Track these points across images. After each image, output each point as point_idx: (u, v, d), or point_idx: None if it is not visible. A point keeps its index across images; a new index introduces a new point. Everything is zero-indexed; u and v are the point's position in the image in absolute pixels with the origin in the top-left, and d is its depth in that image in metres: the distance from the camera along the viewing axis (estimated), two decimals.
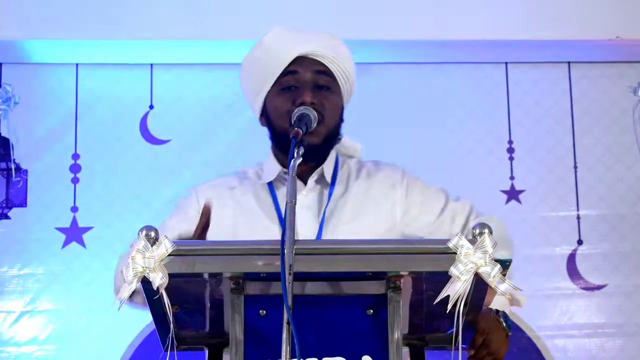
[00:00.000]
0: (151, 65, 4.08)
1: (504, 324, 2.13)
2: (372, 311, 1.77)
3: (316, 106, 2.25)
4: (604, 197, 4.04)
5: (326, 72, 2.32)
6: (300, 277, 1.67)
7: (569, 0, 3.94)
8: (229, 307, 1.79)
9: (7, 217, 3.94)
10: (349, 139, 2.48)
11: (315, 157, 2.32)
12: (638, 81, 4.10)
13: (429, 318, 1.87)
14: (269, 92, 2.34)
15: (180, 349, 1.95)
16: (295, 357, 1.58)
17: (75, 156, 4.00)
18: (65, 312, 3.87)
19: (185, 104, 4.07)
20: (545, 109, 4.12)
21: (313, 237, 2.28)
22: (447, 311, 1.64)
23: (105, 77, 4.05)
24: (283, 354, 1.60)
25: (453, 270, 1.63)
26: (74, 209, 3.95)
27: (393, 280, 1.73)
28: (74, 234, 3.93)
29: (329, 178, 2.36)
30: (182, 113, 4.06)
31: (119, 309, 1.68)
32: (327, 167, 2.36)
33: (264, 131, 2.49)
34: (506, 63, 4.14)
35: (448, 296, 1.64)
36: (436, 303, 1.65)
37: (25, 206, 3.96)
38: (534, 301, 3.87)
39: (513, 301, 2.24)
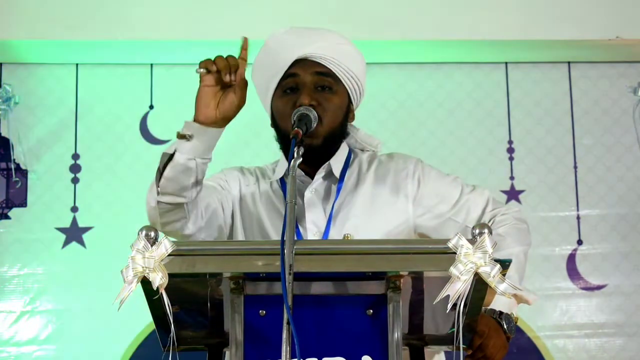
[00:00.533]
0: (151, 65, 4.08)
1: (505, 327, 2.13)
2: (372, 311, 1.76)
3: (315, 107, 2.25)
4: (604, 197, 4.04)
5: (327, 73, 2.31)
6: (300, 277, 1.67)
7: (569, 0, 3.94)
8: (228, 307, 1.79)
9: (7, 217, 3.94)
10: (367, 135, 2.48)
11: (317, 158, 2.32)
12: (638, 81, 4.10)
13: (429, 318, 1.87)
14: (273, 94, 2.35)
15: (180, 349, 1.95)
16: (295, 357, 1.58)
17: (75, 156, 4.00)
18: (65, 312, 3.87)
19: (185, 104, 4.05)
20: (545, 109, 4.12)
21: (321, 232, 2.28)
22: (447, 311, 1.64)
23: (105, 77, 4.05)
24: (283, 354, 1.60)
25: (453, 270, 1.63)
26: (74, 209, 3.96)
27: (393, 280, 1.73)
28: (74, 234, 3.93)
29: (337, 173, 2.35)
30: (182, 113, 4.03)
31: (118, 309, 1.68)
32: (335, 162, 2.36)
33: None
34: (506, 63, 4.14)
35: (448, 296, 1.63)
36: (436, 303, 1.65)
37: (25, 206, 3.96)
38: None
39: (521, 300, 2.24)
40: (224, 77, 2.15)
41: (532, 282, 3.86)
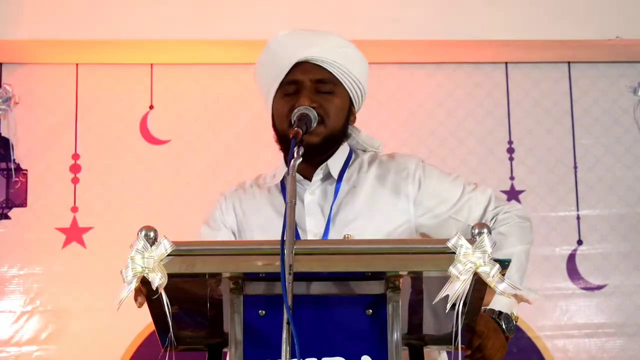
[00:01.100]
0: (151, 65, 4.08)
1: (504, 327, 2.13)
2: (371, 311, 1.77)
3: (316, 109, 2.25)
4: (604, 197, 4.04)
5: (327, 76, 2.32)
6: (300, 277, 1.67)
7: (569, 0, 3.94)
8: (228, 307, 1.79)
9: (7, 217, 3.94)
10: (369, 136, 2.48)
11: (316, 156, 2.32)
12: (638, 81, 4.10)
13: (428, 318, 1.87)
14: (274, 96, 2.35)
15: (180, 349, 1.96)
16: (295, 357, 1.58)
17: (75, 156, 4.00)
18: (65, 312, 3.87)
19: (185, 104, 4.07)
20: (545, 109, 4.12)
21: (321, 234, 2.28)
22: (447, 311, 1.64)
23: (105, 77, 4.05)
24: (283, 354, 1.60)
25: (452, 270, 1.63)
26: (74, 209, 3.96)
27: (392, 280, 1.73)
28: (74, 234, 3.94)
29: (335, 174, 2.35)
30: (182, 113, 4.06)
31: (118, 309, 1.68)
32: (334, 163, 2.36)
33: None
34: (506, 63, 4.14)
35: (447, 296, 1.63)
36: (435, 303, 1.65)
37: (25, 206, 3.96)
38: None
39: (522, 299, 2.24)
40: None
41: (532, 282, 3.85)
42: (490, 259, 1.63)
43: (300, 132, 2.08)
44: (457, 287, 1.62)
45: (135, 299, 1.80)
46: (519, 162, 4.08)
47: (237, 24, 3.85)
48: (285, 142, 2.29)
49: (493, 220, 2.31)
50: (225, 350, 1.93)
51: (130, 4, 3.87)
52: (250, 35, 3.73)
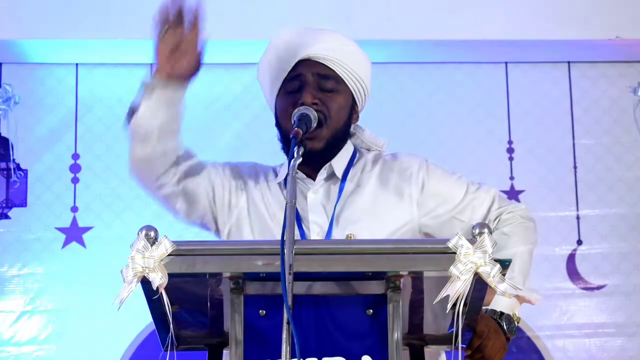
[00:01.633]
0: (151, 65, 4.06)
1: (505, 327, 2.12)
2: (372, 311, 1.76)
3: (318, 107, 2.25)
4: (604, 197, 4.04)
5: (331, 73, 2.31)
6: (300, 277, 1.67)
7: (568, 0, 3.94)
8: (228, 307, 1.79)
9: (7, 217, 3.94)
10: (373, 135, 2.48)
11: (319, 160, 2.31)
12: (638, 81, 4.10)
13: (429, 318, 1.87)
14: (277, 94, 2.35)
15: (180, 348, 1.95)
16: (295, 357, 1.58)
17: (75, 156, 4.00)
18: (65, 312, 3.87)
19: (184, 103, 4.06)
20: (545, 109, 4.12)
21: (324, 234, 2.28)
22: (447, 311, 1.64)
23: (105, 77, 4.05)
24: (283, 354, 1.60)
25: (453, 270, 1.63)
26: (74, 209, 3.96)
27: (393, 280, 1.73)
28: (74, 234, 3.94)
29: (339, 174, 2.35)
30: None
31: (118, 309, 1.68)
32: (338, 162, 2.35)
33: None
34: (506, 63, 4.14)
35: (448, 296, 1.63)
36: (436, 303, 1.65)
37: (25, 206, 3.96)
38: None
39: (524, 300, 2.23)
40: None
41: (532, 282, 3.80)
42: (491, 259, 1.63)
43: (300, 132, 2.08)
44: (457, 287, 1.62)
45: None
46: (519, 162, 4.07)
47: (237, 24, 3.84)
48: (288, 141, 2.29)
49: (497, 220, 2.31)
50: (225, 350, 1.93)
51: (130, 4, 3.87)
52: (250, 35, 3.73)
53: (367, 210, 2.30)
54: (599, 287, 3.98)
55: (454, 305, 1.63)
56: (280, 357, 1.60)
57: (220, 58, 4.00)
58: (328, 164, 2.34)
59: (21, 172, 3.97)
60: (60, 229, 3.93)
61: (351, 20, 3.81)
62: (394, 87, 4.08)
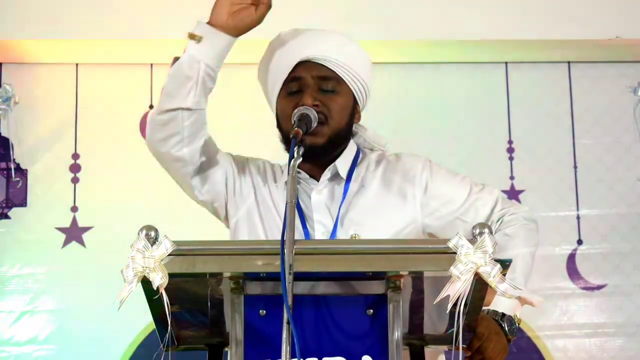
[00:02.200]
0: (151, 65, 4.07)
1: (507, 329, 2.12)
2: (372, 311, 1.77)
3: (320, 108, 2.25)
4: (604, 197, 4.04)
5: (331, 74, 2.32)
6: (300, 277, 1.67)
7: (569, 0, 3.94)
8: (229, 307, 1.79)
9: (7, 217, 3.94)
10: (376, 134, 2.48)
11: (320, 157, 2.32)
12: (638, 81, 4.10)
13: (429, 318, 1.87)
14: (278, 96, 2.35)
15: (180, 348, 1.96)
16: (295, 357, 1.58)
17: (75, 156, 4.00)
18: (65, 312, 3.87)
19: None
20: (545, 108, 4.12)
21: (328, 234, 2.28)
22: (447, 311, 1.64)
23: (105, 76, 4.05)
24: (283, 353, 1.60)
25: (453, 270, 1.63)
26: (74, 208, 3.96)
27: (393, 280, 1.73)
28: (74, 233, 3.93)
29: (343, 174, 2.35)
30: None
31: (118, 309, 1.68)
32: (342, 163, 2.35)
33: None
34: (506, 63, 4.13)
35: (448, 296, 1.63)
36: (436, 303, 1.65)
37: (25, 206, 3.96)
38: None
39: (525, 302, 2.23)
40: None
41: (532, 282, 3.83)
42: (491, 259, 1.63)
43: (300, 132, 2.08)
44: (457, 287, 1.62)
45: None
46: (519, 162, 4.07)
47: None
48: (289, 142, 2.29)
49: (499, 222, 2.31)
50: (225, 349, 1.93)
51: (130, 3, 3.87)
52: (251, 36, 3.72)
53: (371, 210, 2.31)
54: (599, 287, 3.98)
55: (454, 305, 1.63)
56: (280, 357, 1.60)
57: None
58: (332, 164, 2.34)
59: (21, 172, 3.97)
60: (60, 229, 3.93)
61: (351, 20, 3.81)
62: (394, 87, 4.08)
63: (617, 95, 4.12)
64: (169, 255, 1.68)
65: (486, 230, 1.65)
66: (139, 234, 1.68)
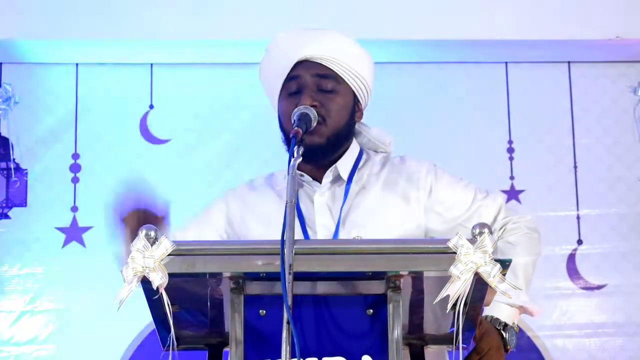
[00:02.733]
0: (151, 65, 4.08)
1: (507, 339, 2.12)
2: (372, 311, 1.76)
3: (318, 108, 2.25)
4: (604, 197, 4.04)
5: (329, 74, 2.31)
6: (300, 277, 1.67)
7: (569, 0, 3.94)
8: (228, 307, 1.79)
9: (7, 216, 3.94)
10: (379, 132, 2.47)
11: (321, 157, 2.31)
12: (638, 81, 4.10)
13: (429, 318, 1.87)
14: (279, 96, 2.35)
15: (180, 348, 1.95)
16: (295, 357, 1.58)
17: (75, 156, 4.00)
18: (65, 312, 3.87)
19: (185, 103, 4.07)
20: (545, 108, 4.12)
21: (331, 236, 2.28)
22: (447, 311, 1.64)
23: (105, 76, 4.05)
24: (283, 353, 1.60)
25: (453, 270, 1.63)
26: (74, 208, 3.96)
27: (393, 280, 1.73)
28: (74, 233, 3.94)
29: (345, 176, 2.34)
30: (182, 113, 4.06)
31: (118, 309, 1.68)
32: (343, 164, 2.35)
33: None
34: (506, 63, 4.14)
35: (448, 296, 1.63)
36: (436, 303, 1.65)
37: (25, 206, 3.96)
38: (534, 301, 3.86)
39: (525, 311, 2.23)
40: None
41: (533, 282, 3.85)
42: (491, 259, 1.63)
43: (300, 131, 2.08)
44: (457, 287, 1.62)
45: None
46: (519, 162, 4.07)
47: (237, 24, 3.85)
48: (290, 142, 2.28)
49: (502, 230, 2.30)
50: (225, 349, 1.93)
51: (130, 3, 3.87)
52: (250, 35, 3.73)
53: (374, 212, 2.30)
54: (599, 287, 3.98)
55: (454, 305, 1.63)
56: (280, 357, 1.60)
57: (220, 58, 4.01)
58: (333, 166, 2.34)
59: (21, 172, 3.97)
60: (60, 229, 3.93)
61: (351, 20, 3.81)
62: (394, 87, 4.08)
63: (617, 95, 4.12)
64: (168, 255, 1.68)
65: (486, 230, 1.65)
66: (138, 233, 1.68)
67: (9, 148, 3.96)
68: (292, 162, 1.89)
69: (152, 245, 1.67)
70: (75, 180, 3.98)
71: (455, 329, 1.65)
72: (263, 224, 2.34)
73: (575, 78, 4.14)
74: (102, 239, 3.89)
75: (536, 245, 2.31)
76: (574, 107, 4.12)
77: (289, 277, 1.62)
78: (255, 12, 3.85)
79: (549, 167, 4.07)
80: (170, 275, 1.67)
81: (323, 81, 2.31)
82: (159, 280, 1.65)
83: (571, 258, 4.00)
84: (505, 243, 2.26)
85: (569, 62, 4.14)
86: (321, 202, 2.32)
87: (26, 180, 3.97)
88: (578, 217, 4.03)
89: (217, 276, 1.74)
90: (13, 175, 3.96)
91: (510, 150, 4.08)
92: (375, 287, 1.76)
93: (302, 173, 2.31)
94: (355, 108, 2.38)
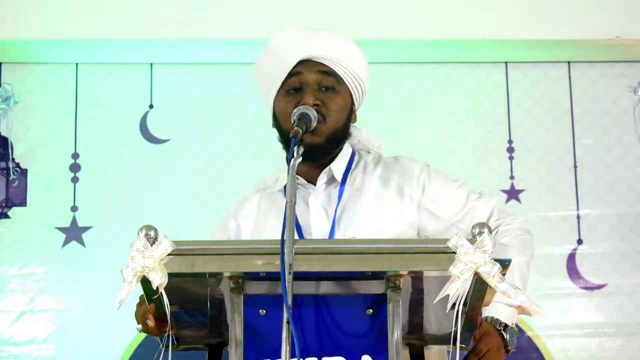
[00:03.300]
0: (151, 64, 4.08)
1: (508, 340, 2.12)
2: (371, 311, 1.76)
3: (319, 107, 2.25)
4: (604, 197, 4.04)
5: (330, 73, 2.32)
6: (300, 276, 1.67)
7: (569, 0, 3.94)
8: (228, 306, 1.79)
9: (7, 216, 3.94)
10: (370, 135, 2.48)
11: (320, 156, 2.31)
12: (638, 81, 4.10)
13: (429, 317, 1.87)
14: (276, 94, 2.34)
15: (180, 348, 1.96)
16: (295, 357, 1.58)
17: (75, 156, 4.00)
18: (65, 311, 3.87)
19: (185, 103, 4.07)
20: (545, 108, 4.12)
21: (326, 236, 2.28)
22: (447, 310, 1.64)
23: (105, 76, 4.05)
24: (283, 353, 1.60)
25: (453, 270, 1.63)
26: (74, 208, 3.96)
27: (393, 280, 1.73)
28: (74, 233, 3.93)
29: (339, 177, 2.35)
30: (182, 113, 4.06)
31: (118, 309, 1.68)
32: (337, 166, 2.35)
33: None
34: (506, 63, 4.14)
35: (448, 295, 1.63)
36: (436, 302, 1.65)
37: (25, 206, 3.96)
38: (533, 300, 3.87)
39: (524, 311, 2.23)
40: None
41: (532, 282, 3.84)
42: (491, 258, 1.63)
43: (300, 131, 2.08)
44: (457, 287, 1.62)
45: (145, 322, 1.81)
46: (519, 161, 4.07)
47: (237, 23, 3.85)
48: (288, 141, 2.28)
49: (495, 232, 2.30)
50: (225, 349, 1.93)
51: (130, 3, 3.87)
52: (250, 35, 3.73)
53: (369, 213, 2.30)
54: (599, 287, 3.98)
55: (454, 305, 1.63)
56: (280, 357, 1.60)
57: (220, 58, 4.01)
58: (328, 167, 2.34)
59: (21, 172, 3.97)
60: (60, 229, 3.93)
61: (352, 21, 3.81)
62: (394, 87, 4.08)
63: (617, 95, 4.12)
64: (168, 255, 1.68)
65: (485, 229, 1.65)
66: (138, 233, 1.68)
67: (9, 148, 3.96)
68: (292, 162, 1.89)
69: (151, 245, 1.67)
70: (75, 180, 3.98)
71: (454, 328, 1.65)
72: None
73: (575, 78, 4.14)
74: (102, 239, 3.92)
75: (529, 247, 2.31)
76: (574, 107, 4.12)
77: (289, 277, 1.62)
78: (255, 12, 3.85)
79: (549, 167, 4.07)
80: (170, 275, 1.67)
81: (325, 80, 2.31)
82: (158, 280, 1.65)
83: (571, 258, 4.00)
84: (498, 245, 2.26)
85: (569, 62, 4.14)
86: (317, 204, 2.32)
87: (26, 180, 3.97)
88: (578, 217, 4.03)
89: (217, 276, 1.74)
90: (13, 175, 3.96)
91: (510, 150, 4.08)
92: (375, 287, 1.76)
93: (298, 176, 2.31)
94: (352, 109, 2.39)
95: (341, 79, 2.33)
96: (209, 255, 1.73)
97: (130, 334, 3.83)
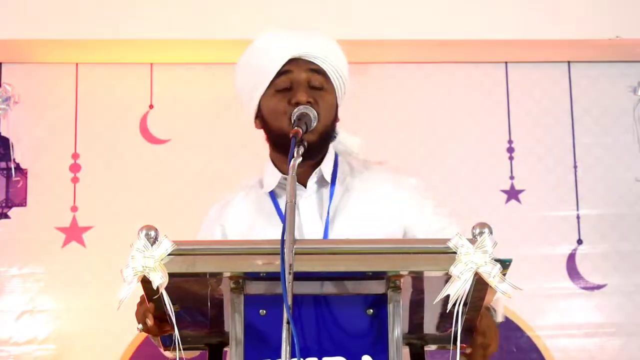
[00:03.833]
0: (151, 65, 4.08)
1: (493, 315, 2.14)
2: (372, 311, 1.77)
3: (312, 105, 2.26)
4: (604, 197, 4.04)
5: (319, 71, 2.33)
6: (300, 277, 1.67)
7: (568, 0, 3.94)
8: (229, 306, 1.79)
9: (7, 216, 3.94)
10: (347, 134, 2.48)
11: (311, 155, 2.32)
12: (638, 81, 4.10)
13: (429, 317, 1.87)
14: (263, 94, 2.34)
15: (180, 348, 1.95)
16: (295, 357, 1.58)
17: (75, 156, 4.00)
18: (65, 312, 3.86)
19: (185, 103, 4.06)
20: (545, 109, 4.12)
21: (319, 238, 2.28)
22: (447, 311, 1.64)
23: (105, 76, 4.05)
24: (283, 353, 1.60)
25: (453, 270, 1.63)
26: (74, 208, 3.95)
27: (393, 280, 1.73)
28: (74, 233, 3.93)
29: (328, 177, 2.36)
30: (182, 113, 4.06)
31: (118, 309, 1.68)
32: (326, 166, 2.36)
33: (261, 130, 2.50)
34: (506, 63, 4.14)
35: (448, 295, 1.64)
36: (436, 302, 1.65)
37: (25, 206, 3.96)
38: (534, 301, 3.87)
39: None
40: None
41: (532, 282, 3.86)
42: (492, 258, 1.63)
43: (301, 131, 2.08)
44: (457, 287, 1.62)
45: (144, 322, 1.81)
46: (519, 161, 4.07)
47: (237, 23, 3.84)
48: (281, 142, 2.28)
49: None
50: (225, 349, 1.93)
51: (130, 4, 3.87)
52: (250, 35, 3.72)
53: (359, 215, 2.31)
54: (599, 287, 3.98)
55: (454, 305, 1.63)
56: (280, 357, 1.60)
57: (220, 58, 4.00)
58: (317, 168, 2.34)
59: (21, 172, 3.97)
60: (60, 229, 3.93)
61: (351, 20, 3.81)
62: (393, 87, 4.08)
63: (617, 95, 4.12)
64: (168, 254, 1.68)
65: (486, 229, 1.65)
66: (139, 233, 1.69)
67: (9, 148, 3.96)
68: (292, 163, 1.89)
69: (152, 245, 1.67)
70: (75, 180, 3.98)
71: (454, 329, 1.66)
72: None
73: (575, 78, 4.14)
74: (102, 239, 3.91)
75: None
76: (574, 107, 4.12)
77: (289, 277, 1.62)
78: (255, 12, 3.84)
79: (549, 167, 4.07)
80: (171, 275, 1.67)
81: (314, 78, 2.32)
82: (159, 280, 1.66)
83: (571, 258, 3.99)
84: None
85: (569, 62, 4.14)
86: (307, 205, 2.32)
87: (26, 180, 3.97)
88: (578, 217, 4.02)
89: (217, 276, 1.74)
90: (13, 175, 3.96)
91: (510, 150, 4.08)
92: (376, 287, 1.76)
93: (285, 176, 2.31)
94: (337, 109, 2.40)
95: (328, 77, 2.34)
96: (209, 255, 1.73)
97: (130, 334, 3.83)
